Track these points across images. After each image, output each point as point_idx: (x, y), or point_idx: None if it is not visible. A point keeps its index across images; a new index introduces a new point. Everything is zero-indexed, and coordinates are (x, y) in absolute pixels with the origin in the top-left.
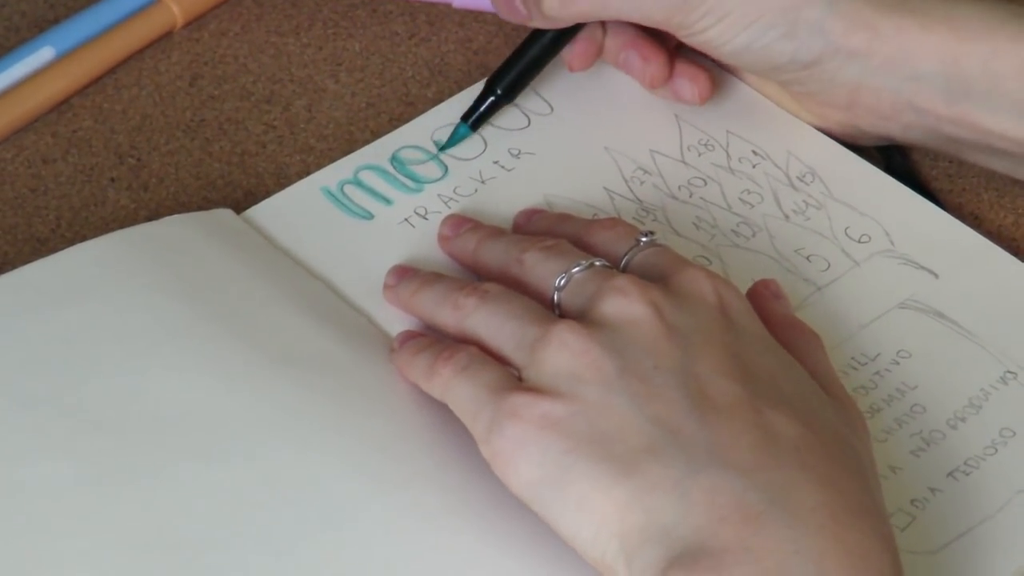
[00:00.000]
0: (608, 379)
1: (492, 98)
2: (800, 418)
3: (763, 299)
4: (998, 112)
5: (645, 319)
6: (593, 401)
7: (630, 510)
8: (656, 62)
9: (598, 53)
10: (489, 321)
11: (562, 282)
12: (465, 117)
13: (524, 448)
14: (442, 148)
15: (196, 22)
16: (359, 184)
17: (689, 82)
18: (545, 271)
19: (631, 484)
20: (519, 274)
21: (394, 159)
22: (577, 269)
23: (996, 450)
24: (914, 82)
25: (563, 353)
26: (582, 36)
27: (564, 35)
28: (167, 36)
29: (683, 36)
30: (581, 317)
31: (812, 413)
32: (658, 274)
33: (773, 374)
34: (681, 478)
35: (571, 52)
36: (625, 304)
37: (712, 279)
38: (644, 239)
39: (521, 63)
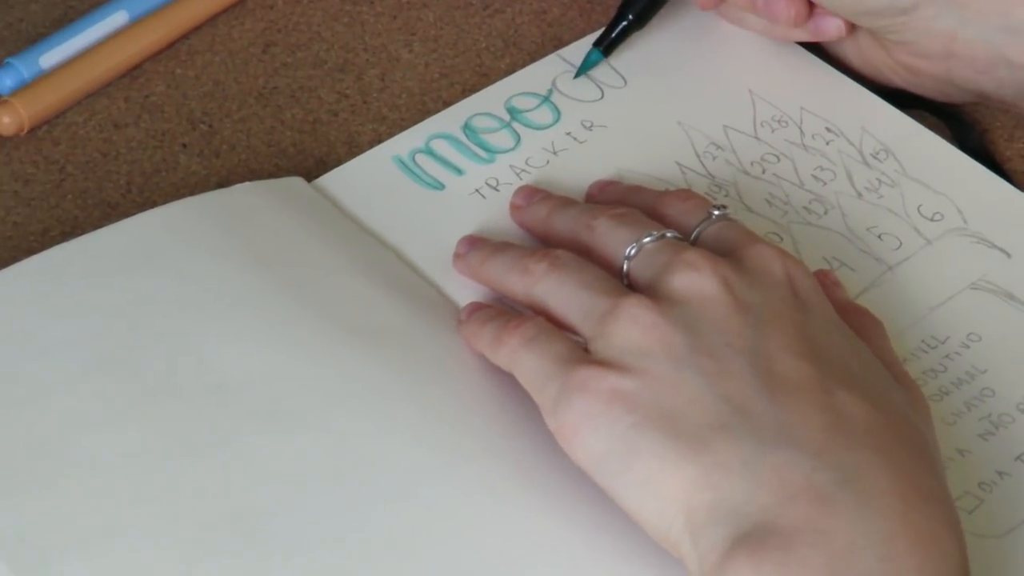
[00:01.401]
0: (678, 355)
1: (624, 23)
2: (869, 399)
3: (824, 287)
4: None
5: (716, 295)
6: (662, 376)
7: (697, 487)
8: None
9: None
10: (559, 289)
11: (632, 251)
12: (598, 42)
13: (591, 421)
14: (576, 74)
15: None
16: (431, 153)
17: (833, 20)
18: (616, 239)
19: (699, 461)
20: (589, 240)
21: (466, 127)
22: (648, 239)
23: None
24: (1008, 34)
25: (633, 328)
26: None
27: None
28: (241, 2)
29: None
30: (650, 289)
31: (881, 395)
32: (728, 248)
33: (842, 354)
34: (750, 457)
35: None
36: (696, 279)
37: (782, 256)
38: (716, 212)
39: None
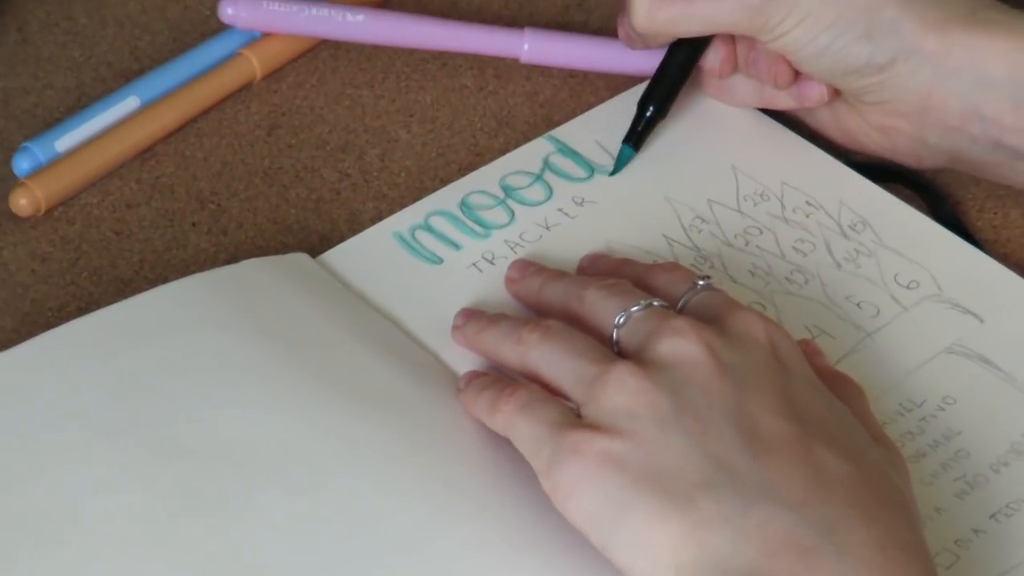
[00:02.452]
0: (664, 417)
1: (647, 115)
2: (847, 456)
3: (806, 355)
4: None
5: (700, 359)
6: (650, 438)
7: (685, 543)
8: (784, 63)
9: (734, 59)
10: (550, 356)
11: (621, 320)
12: (627, 139)
13: (583, 483)
14: (612, 173)
15: (274, 74)
16: (429, 229)
17: (816, 84)
18: (605, 308)
19: (686, 519)
20: (579, 310)
21: (463, 204)
22: (636, 308)
23: None
24: (982, 88)
25: (622, 392)
26: (716, 41)
27: (698, 49)
28: (247, 87)
29: (766, 40)
30: (638, 355)
31: (859, 452)
32: (713, 316)
33: (821, 414)
34: (734, 513)
35: (717, 59)
36: (681, 344)
37: (764, 322)
38: (701, 283)
39: (666, 80)
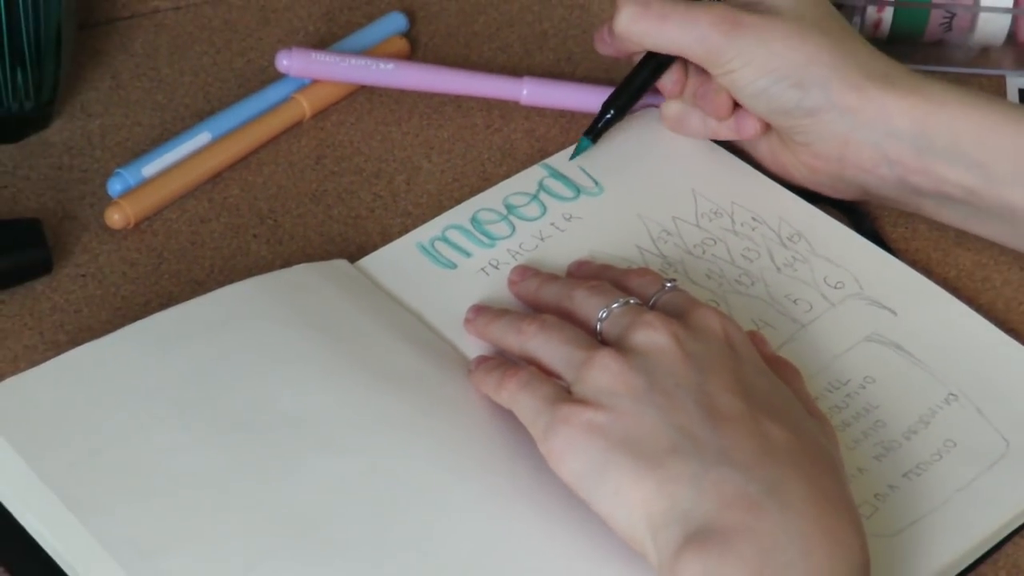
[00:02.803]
0: (639, 395)
1: (608, 116)
2: (789, 427)
3: (754, 343)
4: (956, 165)
5: (668, 347)
6: (627, 411)
7: (656, 497)
8: (725, 95)
9: (683, 85)
10: (546, 344)
11: (604, 315)
12: (587, 133)
13: (572, 447)
14: (572, 157)
15: (321, 114)
16: (446, 240)
17: (751, 120)
18: (590, 305)
19: (657, 476)
20: (570, 307)
21: (473, 219)
22: (616, 305)
23: (940, 457)
24: (891, 138)
25: (604, 373)
26: (674, 67)
27: (659, 69)
28: (298, 125)
29: (717, 73)
30: (618, 343)
31: (797, 424)
32: (678, 312)
33: (767, 392)
34: (696, 473)
35: (670, 80)
36: (653, 335)
37: (720, 316)
38: (668, 285)
39: (628, 90)
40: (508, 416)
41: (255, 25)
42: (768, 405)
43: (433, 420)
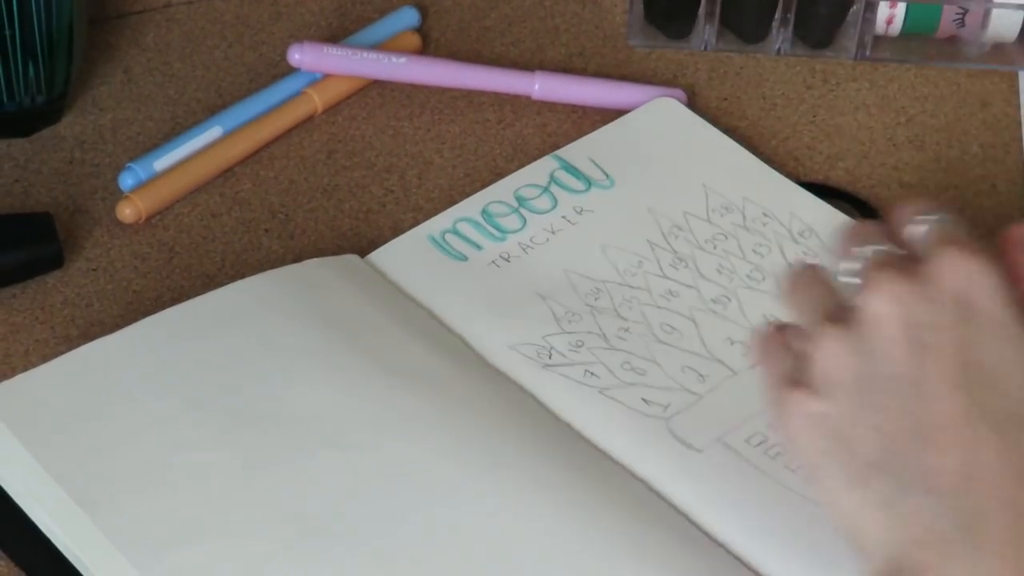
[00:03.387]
0: (854, 387)
1: None
2: (1010, 436)
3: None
4: None
5: (888, 320)
6: (843, 406)
7: (856, 516)
8: None
9: None
10: (796, 303)
11: (852, 269)
12: None
13: (796, 440)
14: None
15: (332, 109)
16: (457, 233)
17: None
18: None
19: (858, 496)
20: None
21: (484, 212)
22: (861, 259)
23: None
24: None
25: (825, 357)
26: None
27: None
28: (310, 119)
29: None
30: (853, 311)
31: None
32: (925, 255)
33: (999, 376)
34: (892, 499)
35: None
36: (876, 304)
37: (961, 263)
38: (933, 219)
39: None
40: (520, 411)
41: (267, 20)
42: (993, 400)
43: (444, 416)
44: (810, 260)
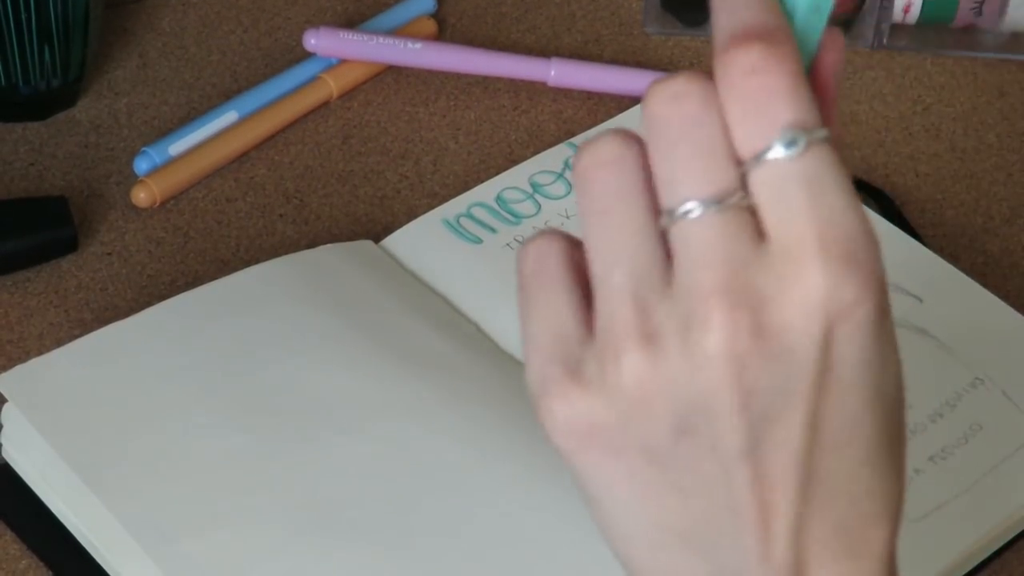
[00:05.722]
0: (647, 453)
1: None
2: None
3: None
4: None
5: (717, 384)
6: (637, 436)
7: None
8: None
9: None
10: (595, 234)
11: (673, 219)
12: None
13: (558, 446)
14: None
15: (348, 95)
16: (471, 217)
17: None
18: (675, 184)
19: (645, 554)
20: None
21: (499, 198)
22: (691, 212)
23: (966, 440)
24: None
25: (621, 383)
26: None
27: None
28: (325, 105)
29: None
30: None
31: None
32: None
33: (849, 479)
34: None
35: None
36: (703, 353)
37: (824, 305)
38: (783, 151)
39: None
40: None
41: (283, 4)
42: (836, 482)
43: (458, 402)
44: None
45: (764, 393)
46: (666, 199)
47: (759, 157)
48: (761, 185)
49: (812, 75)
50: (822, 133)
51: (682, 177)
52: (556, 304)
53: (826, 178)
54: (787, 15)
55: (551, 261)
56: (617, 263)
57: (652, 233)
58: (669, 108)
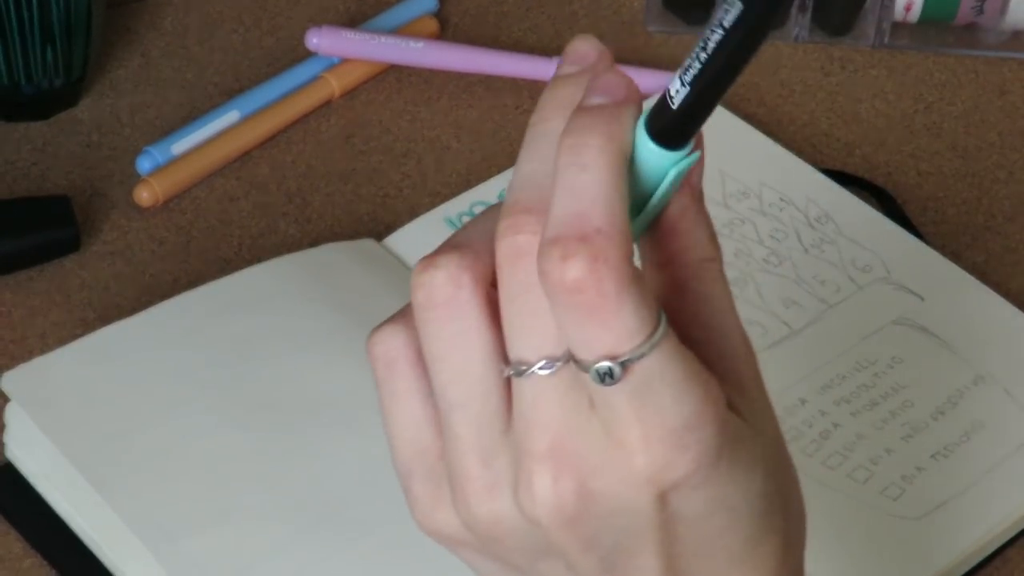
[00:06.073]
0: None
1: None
2: None
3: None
4: None
5: (556, 540)
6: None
7: None
8: None
9: None
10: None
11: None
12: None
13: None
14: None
15: (350, 93)
16: (473, 215)
17: None
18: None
19: None
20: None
21: (500, 197)
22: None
23: (968, 438)
24: None
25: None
26: None
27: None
28: (327, 104)
29: None
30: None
31: None
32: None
33: None
34: None
35: None
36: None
37: (651, 483)
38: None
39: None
40: None
41: (285, 4)
42: None
43: None
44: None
45: (606, 536)
46: (508, 347)
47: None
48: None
49: (658, 221)
50: (646, 347)
51: (520, 333)
52: (411, 415)
53: (653, 383)
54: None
55: (399, 368)
56: (456, 407)
57: (492, 379)
58: (513, 266)
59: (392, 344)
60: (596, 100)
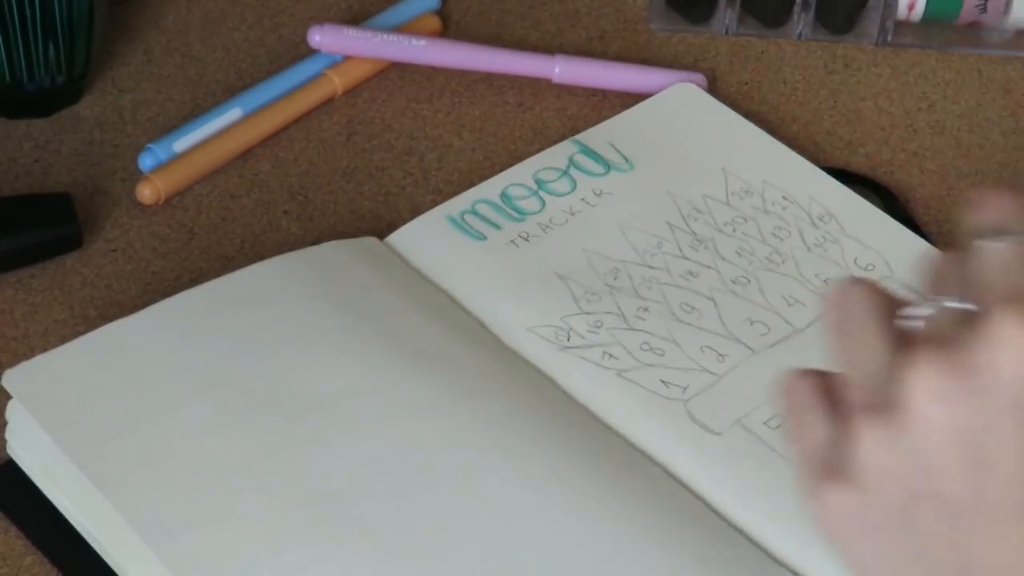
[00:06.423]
0: (894, 489)
1: None
2: None
3: None
4: None
5: (936, 424)
6: (885, 504)
7: None
8: None
9: None
10: (842, 353)
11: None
12: None
13: (835, 537)
14: None
15: (352, 91)
16: (475, 213)
17: None
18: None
19: None
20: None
21: (503, 194)
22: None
23: None
24: None
25: (863, 451)
26: None
27: None
28: (329, 101)
29: None
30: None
31: None
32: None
33: None
34: None
35: None
36: (921, 400)
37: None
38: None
39: None
40: (538, 395)
41: (287, 1)
42: None
43: (461, 399)
44: (865, 277)
45: (977, 435)
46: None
47: None
48: None
49: None
50: None
51: None
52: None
53: None
54: None
55: (799, 398)
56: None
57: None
58: None
59: (797, 381)
60: None
